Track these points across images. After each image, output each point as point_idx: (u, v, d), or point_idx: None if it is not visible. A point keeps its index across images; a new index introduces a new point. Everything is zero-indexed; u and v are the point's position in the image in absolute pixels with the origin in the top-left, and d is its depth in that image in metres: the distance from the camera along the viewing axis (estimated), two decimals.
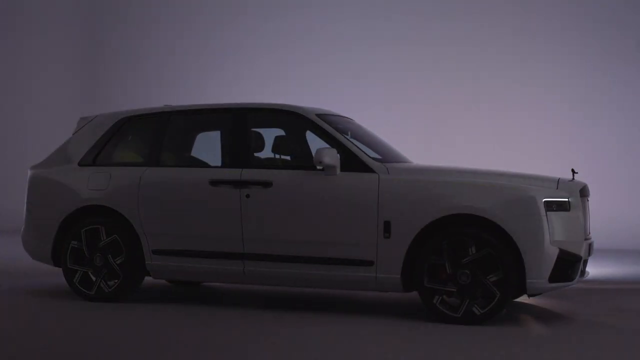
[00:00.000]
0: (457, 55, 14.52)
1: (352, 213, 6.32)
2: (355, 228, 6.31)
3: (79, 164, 7.27)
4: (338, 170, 6.43)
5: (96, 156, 7.26)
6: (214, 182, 6.71)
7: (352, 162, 6.47)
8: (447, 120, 14.37)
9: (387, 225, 6.25)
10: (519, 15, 14.25)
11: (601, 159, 13.60)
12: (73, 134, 7.53)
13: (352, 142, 6.60)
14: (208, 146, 7.45)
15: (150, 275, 7.04)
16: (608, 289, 8.37)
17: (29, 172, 7.52)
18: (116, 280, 6.96)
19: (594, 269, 9.70)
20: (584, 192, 6.45)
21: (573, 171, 6.69)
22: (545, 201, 6.05)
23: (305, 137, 7.29)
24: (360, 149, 6.55)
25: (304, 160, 6.97)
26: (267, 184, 6.58)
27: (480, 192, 6.10)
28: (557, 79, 14.07)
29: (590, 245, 6.43)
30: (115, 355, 4.94)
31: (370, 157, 6.51)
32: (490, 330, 5.86)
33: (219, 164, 6.91)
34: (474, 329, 5.88)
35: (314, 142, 7.33)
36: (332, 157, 6.33)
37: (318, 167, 6.46)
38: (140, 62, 16.32)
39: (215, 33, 15.88)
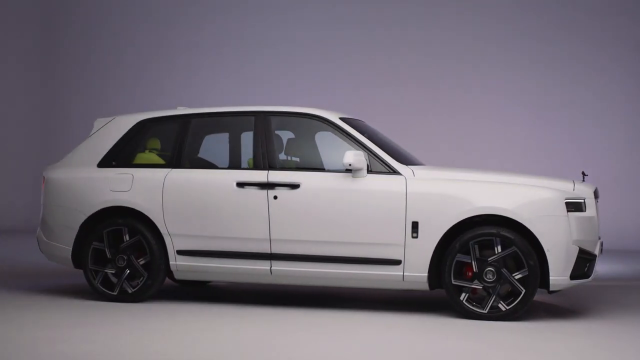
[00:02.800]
0: (460, 56, 14.60)
1: (381, 214, 6.55)
2: (384, 228, 6.54)
3: (99, 166, 7.31)
4: (365, 172, 6.65)
5: (116, 158, 7.30)
6: (241, 184, 6.85)
7: (378, 164, 6.70)
8: (447, 123, 14.51)
9: (414, 226, 6.49)
10: (522, 16, 14.42)
11: (602, 160, 13.83)
12: (90, 136, 7.55)
13: (377, 145, 6.82)
14: (219, 148, 7.56)
15: (170, 276, 7.13)
16: (614, 286, 8.77)
17: (45, 174, 7.52)
18: (139, 281, 7.04)
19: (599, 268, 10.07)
20: (595, 194, 6.81)
21: (583, 174, 7.05)
22: (566, 202, 6.38)
23: (315, 140, 7.49)
24: (385, 152, 6.78)
25: (318, 163, 7.18)
26: (294, 186, 6.75)
27: (505, 193, 6.40)
28: (558, 80, 14.28)
29: (601, 245, 6.80)
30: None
31: (395, 159, 6.75)
32: (516, 326, 6.16)
33: (226, 165, 7.08)
34: (500, 325, 6.18)
35: (323, 146, 7.57)
36: (360, 159, 6.55)
37: (346, 169, 6.66)
38: (139, 62, 16.14)
39: (202, 33, 15.83)
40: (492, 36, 14.57)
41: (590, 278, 6.59)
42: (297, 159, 7.32)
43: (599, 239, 6.76)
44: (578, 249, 6.38)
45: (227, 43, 15.52)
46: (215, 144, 7.49)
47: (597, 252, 6.63)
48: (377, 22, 14.94)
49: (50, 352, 5.02)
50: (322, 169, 6.97)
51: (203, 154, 7.34)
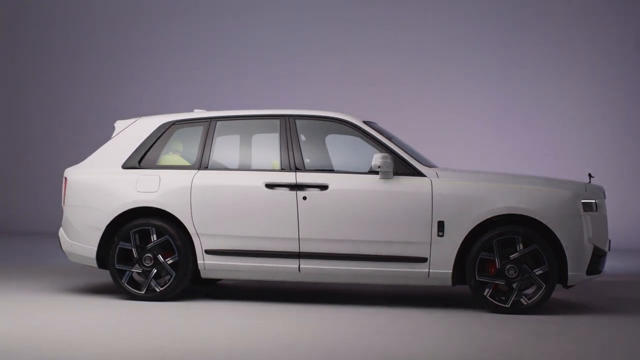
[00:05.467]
0: (461, 57, 14.77)
1: (408, 214, 6.88)
2: (411, 228, 6.87)
3: (123, 167, 7.43)
4: (392, 174, 6.97)
5: (141, 159, 7.43)
6: (270, 185, 7.07)
7: (403, 166, 7.01)
8: (445, 124, 14.67)
9: (440, 225, 6.84)
10: (527, 16, 14.64)
11: (596, 161, 14.08)
12: (113, 137, 7.65)
13: (401, 148, 7.13)
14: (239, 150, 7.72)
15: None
16: (618, 281, 9.26)
17: (67, 175, 7.59)
18: (166, 280, 7.19)
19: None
20: (603, 194, 7.27)
21: (590, 175, 7.48)
22: (582, 202, 6.82)
23: (325, 142, 7.77)
24: (410, 155, 7.10)
25: (328, 164, 7.45)
26: (323, 187, 7.01)
27: (527, 195, 6.81)
28: (556, 80, 14.51)
29: (609, 243, 7.25)
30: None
31: (420, 162, 7.08)
32: (540, 319, 6.56)
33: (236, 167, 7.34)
34: (521, 318, 6.57)
35: (333, 148, 7.86)
36: (388, 162, 6.86)
37: (370, 171, 6.98)
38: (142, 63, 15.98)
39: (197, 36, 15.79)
40: (493, 37, 14.65)
41: (601, 273, 7.05)
42: (308, 161, 7.56)
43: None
44: (593, 246, 6.83)
45: (221, 45, 15.50)
46: (236, 146, 7.66)
47: (607, 249, 7.09)
48: (368, 24, 15.10)
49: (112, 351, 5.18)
50: (331, 170, 7.24)
51: (228, 155, 7.52)
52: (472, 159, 13.90)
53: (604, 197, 7.25)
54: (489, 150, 14.29)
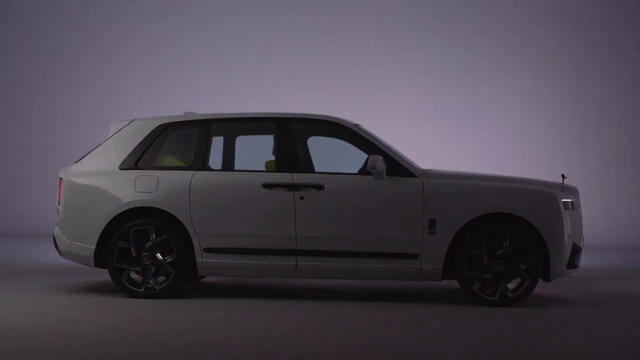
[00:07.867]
0: (446, 57, 15.07)
1: (400, 213, 7.24)
2: (403, 226, 7.23)
3: (120, 168, 7.58)
4: (385, 175, 7.32)
5: (137, 160, 7.59)
6: (268, 185, 7.34)
7: (394, 168, 7.37)
8: (428, 123, 14.97)
9: (432, 223, 7.22)
10: (514, 14, 15.04)
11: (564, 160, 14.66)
12: (108, 138, 7.78)
13: (392, 150, 7.49)
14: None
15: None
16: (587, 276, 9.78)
17: (63, 176, 7.68)
18: (165, 278, 7.38)
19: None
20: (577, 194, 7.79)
21: (563, 176, 7.97)
22: (562, 201, 7.31)
23: (307, 144, 8.10)
24: (401, 157, 7.46)
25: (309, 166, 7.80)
26: (320, 187, 7.32)
27: (513, 194, 7.25)
28: (539, 80, 15.01)
29: (583, 239, 7.76)
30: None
31: (410, 163, 7.45)
32: (525, 311, 7.01)
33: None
34: (509, 310, 7.01)
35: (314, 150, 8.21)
36: (382, 164, 7.21)
37: (371, 172, 7.30)
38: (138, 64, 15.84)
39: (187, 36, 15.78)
40: (483, 35, 14.98)
41: (577, 268, 7.56)
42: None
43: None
44: (572, 243, 7.32)
45: (213, 48, 15.56)
46: (232, 147, 7.90)
47: (581, 245, 7.59)
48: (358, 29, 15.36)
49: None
50: (314, 171, 7.58)
51: (224, 156, 7.76)
52: (427, 161, 14.27)
53: (578, 197, 7.76)
54: (449, 154, 14.73)
